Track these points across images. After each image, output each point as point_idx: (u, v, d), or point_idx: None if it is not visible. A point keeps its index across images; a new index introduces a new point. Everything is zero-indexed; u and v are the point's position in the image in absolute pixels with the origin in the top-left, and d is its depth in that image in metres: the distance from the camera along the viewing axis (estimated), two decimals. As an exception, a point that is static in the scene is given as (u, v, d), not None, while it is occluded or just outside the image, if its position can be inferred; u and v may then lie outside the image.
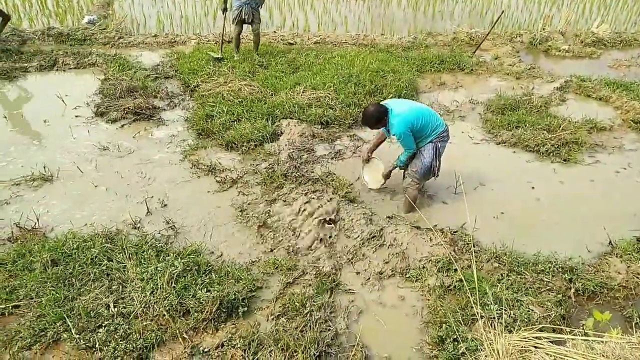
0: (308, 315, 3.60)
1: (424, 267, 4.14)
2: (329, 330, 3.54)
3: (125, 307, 3.53)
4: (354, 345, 3.45)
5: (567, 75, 8.34)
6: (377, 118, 4.48)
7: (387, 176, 5.02)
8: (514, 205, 5.10)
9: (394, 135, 4.53)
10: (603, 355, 2.78)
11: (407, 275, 4.10)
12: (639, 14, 13.23)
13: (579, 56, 9.86)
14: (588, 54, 9.93)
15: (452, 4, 13.05)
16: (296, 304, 3.68)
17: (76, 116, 6.38)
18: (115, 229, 4.38)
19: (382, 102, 4.67)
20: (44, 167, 5.18)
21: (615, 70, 9.20)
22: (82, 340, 3.27)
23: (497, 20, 9.66)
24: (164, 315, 3.47)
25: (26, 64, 7.69)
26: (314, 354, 3.30)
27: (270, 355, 3.26)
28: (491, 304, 3.55)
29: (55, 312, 3.43)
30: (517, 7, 13.24)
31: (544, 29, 10.68)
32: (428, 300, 3.86)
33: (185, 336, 3.41)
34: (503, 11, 10.23)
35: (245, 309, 3.65)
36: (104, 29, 9.28)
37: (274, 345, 3.33)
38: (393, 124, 4.44)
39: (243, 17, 7.70)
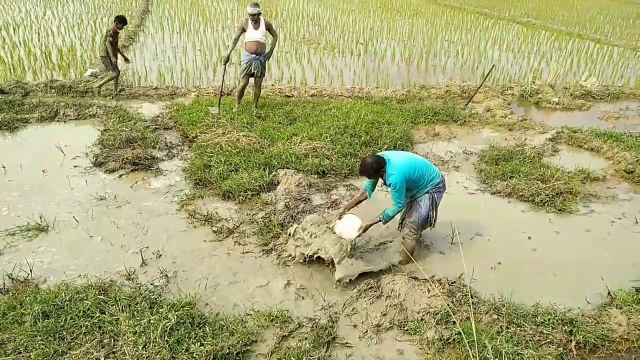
0: (304, 370, 3.51)
1: (422, 320, 4.08)
2: (326, 386, 3.43)
3: (116, 362, 3.43)
4: (351, 402, 3.34)
5: (559, 127, 8.54)
6: (375, 169, 4.53)
7: (365, 229, 4.76)
8: (510, 255, 5.09)
9: (389, 184, 4.55)
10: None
11: (405, 328, 4.02)
12: (624, 68, 13.70)
13: (569, 108, 10.13)
14: (578, 106, 10.20)
15: (444, 59, 13.51)
16: (292, 358, 3.59)
17: (75, 166, 6.43)
18: (109, 280, 4.32)
19: (379, 154, 4.72)
20: (40, 217, 5.17)
21: (604, 122, 9.43)
22: (70, 398, 3.16)
23: (488, 74, 9.98)
24: (156, 370, 3.37)
25: (27, 115, 7.83)
26: (310, 412, 3.18)
27: (265, 413, 3.14)
28: (491, 357, 3.48)
29: (43, 368, 3.33)
30: (507, 61, 13.71)
31: (534, 82, 11.03)
32: (427, 354, 3.77)
33: (177, 393, 3.30)
34: (494, 65, 10.59)
35: (240, 363, 3.56)
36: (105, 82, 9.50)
37: (268, 402, 3.22)
38: (390, 174, 4.49)
39: (252, 70, 7.98)
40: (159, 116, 8.18)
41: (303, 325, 3.99)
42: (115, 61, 8.85)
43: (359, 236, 4.78)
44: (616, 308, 4.27)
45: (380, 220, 4.70)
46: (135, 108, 8.50)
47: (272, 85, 10.25)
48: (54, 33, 13.53)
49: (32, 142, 7.14)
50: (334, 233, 4.73)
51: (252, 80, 8.27)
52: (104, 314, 3.83)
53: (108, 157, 6.55)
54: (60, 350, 3.49)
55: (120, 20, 8.55)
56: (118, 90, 9.16)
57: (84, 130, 7.60)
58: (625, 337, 3.97)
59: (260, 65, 7.99)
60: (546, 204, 6.01)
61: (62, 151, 6.71)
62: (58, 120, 7.91)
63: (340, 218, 4.86)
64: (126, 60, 9.29)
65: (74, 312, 3.81)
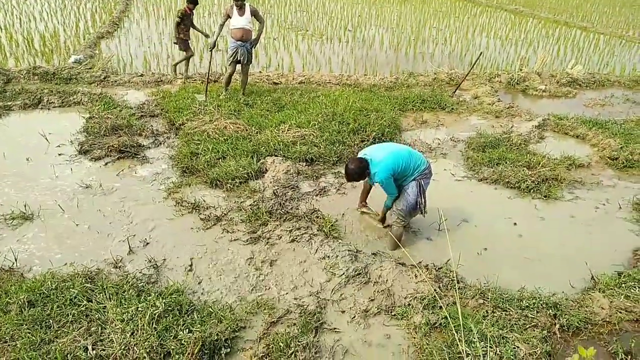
0: (292, 356, 3.53)
1: (409, 305, 4.12)
2: (314, 371, 3.46)
3: (104, 350, 3.42)
4: (339, 387, 3.37)
5: (545, 114, 8.60)
6: (359, 173, 4.59)
7: (383, 220, 5.19)
8: (496, 241, 5.15)
9: (377, 182, 4.63)
10: (589, 392, 2.76)
11: (392, 313, 4.06)
12: (610, 56, 13.81)
13: (556, 96, 10.20)
14: (564, 94, 10.28)
15: (432, 46, 13.50)
16: (280, 344, 3.61)
17: (59, 154, 6.34)
18: (95, 268, 4.29)
19: (360, 153, 4.77)
20: (25, 206, 5.10)
21: (590, 109, 9.53)
22: (57, 386, 3.15)
23: (476, 62, 10.00)
24: (144, 357, 3.37)
25: (10, 103, 7.68)
26: (299, 396, 3.21)
27: (254, 398, 3.16)
28: (477, 341, 3.53)
29: (30, 357, 3.30)
30: (494, 49, 13.74)
31: (521, 70, 11.08)
32: (414, 338, 3.82)
33: (166, 379, 3.30)
34: (481, 53, 10.62)
35: (228, 350, 3.57)
36: (90, 69, 9.36)
37: (257, 387, 3.24)
38: (375, 173, 4.54)
39: (239, 58, 7.91)
40: (144, 103, 8.08)
41: (291, 312, 4.01)
42: (188, 42, 9.11)
43: (385, 225, 5.20)
44: (599, 292, 4.35)
45: (386, 211, 5.08)
46: (121, 95, 8.38)
47: (260, 72, 10.16)
48: (36, 18, 13.25)
49: (15, 130, 7.01)
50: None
51: (239, 67, 8.20)
52: (91, 302, 3.81)
53: (93, 145, 6.47)
54: (47, 339, 3.47)
55: (191, 1, 8.68)
56: (186, 72, 9.45)
57: (69, 117, 7.48)
58: (608, 319, 4.05)
59: (246, 53, 7.92)
60: (532, 191, 6.08)
61: (46, 139, 6.61)
62: (42, 108, 7.78)
63: (362, 213, 5.36)
64: (206, 36, 9.60)
65: (61, 301, 3.78)
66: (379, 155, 4.59)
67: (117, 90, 8.70)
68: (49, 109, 7.77)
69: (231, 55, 7.92)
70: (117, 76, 9.28)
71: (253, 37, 7.97)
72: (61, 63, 9.77)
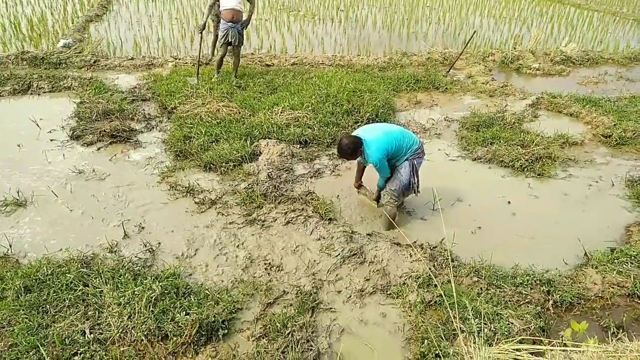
0: (289, 335, 3.56)
1: (404, 284, 4.16)
2: (311, 350, 3.50)
3: (101, 333, 3.44)
4: (336, 365, 3.42)
5: (539, 93, 8.60)
6: (353, 150, 4.55)
7: (377, 199, 5.17)
8: (491, 220, 5.18)
9: (370, 163, 4.62)
10: (581, 365, 2.81)
11: (388, 292, 4.10)
12: (604, 33, 13.76)
13: (549, 74, 10.18)
14: (558, 72, 10.26)
15: (425, 26, 13.39)
16: (277, 324, 3.64)
17: (51, 140, 6.29)
18: (91, 253, 4.29)
19: (354, 132, 4.75)
20: (17, 192, 5.07)
21: (584, 87, 9.52)
22: (56, 369, 3.17)
23: (469, 40, 9.94)
24: (142, 340, 3.40)
25: (-1, 88, 7.58)
26: (296, 375, 3.25)
27: (252, 378, 3.20)
28: (471, 318, 3.57)
29: (28, 341, 3.32)
30: (488, 28, 13.65)
31: (514, 48, 11.02)
32: (409, 316, 3.86)
33: (164, 361, 3.33)
34: (475, 31, 10.54)
35: (226, 331, 3.60)
36: (79, 53, 9.23)
37: (255, 367, 3.28)
38: (369, 153, 4.53)
39: (229, 39, 7.80)
40: (136, 87, 7.99)
41: (288, 292, 4.04)
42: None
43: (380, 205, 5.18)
44: (592, 268, 4.40)
45: (379, 190, 5.05)
46: (112, 79, 8.28)
47: (252, 54, 10.05)
48: (22, 2, 13.00)
49: (5, 116, 6.94)
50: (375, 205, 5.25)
51: (230, 49, 8.10)
52: (87, 286, 3.82)
53: (85, 130, 6.41)
54: (44, 324, 3.48)
55: None
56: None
57: (59, 102, 7.40)
58: (600, 295, 4.11)
59: (237, 34, 7.81)
60: (525, 169, 6.10)
61: (37, 125, 6.54)
62: (32, 93, 7.68)
63: (359, 188, 5.33)
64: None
65: (57, 286, 3.79)
66: (372, 135, 4.57)
67: (107, 74, 8.60)
68: (39, 94, 7.68)
69: (222, 37, 7.82)
70: (107, 60, 9.16)
71: (244, 18, 7.86)
72: (50, 47, 9.61)
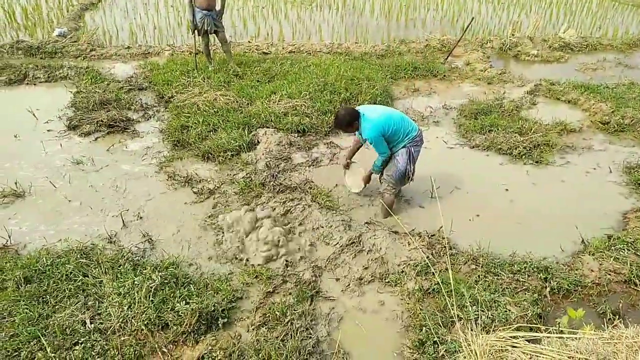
0: (289, 324, 3.60)
1: (402, 272, 4.18)
2: (310, 338, 3.53)
3: (102, 323, 3.47)
4: (335, 352, 3.45)
5: (537, 80, 8.55)
6: (349, 121, 4.53)
7: (367, 180, 5.07)
8: (488, 207, 5.19)
9: (366, 139, 4.60)
10: (577, 351, 2.84)
11: (386, 280, 4.13)
12: (603, 19, 13.67)
13: (548, 61, 10.12)
14: (556, 59, 10.20)
15: (423, 12, 13.28)
16: (277, 313, 3.67)
17: (48, 130, 6.27)
18: (90, 243, 4.30)
19: (355, 107, 4.72)
20: (15, 183, 5.07)
21: (582, 74, 9.46)
22: (57, 359, 3.19)
23: (467, 27, 9.87)
24: (142, 329, 3.42)
25: (-6, 78, 7.53)
26: (296, 363, 3.29)
27: (252, 366, 3.23)
28: (469, 305, 3.60)
29: (29, 331, 3.34)
30: (487, 14, 13.54)
31: (513, 35, 10.95)
32: (408, 304, 3.89)
33: (165, 350, 3.36)
34: (473, 18, 10.46)
35: (225, 320, 3.63)
36: (75, 42, 9.16)
37: (255, 355, 3.31)
38: (365, 128, 4.51)
39: (206, 28, 7.63)
40: (132, 76, 7.95)
41: (287, 281, 4.06)
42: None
43: (364, 188, 5.12)
44: (589, 255, 4.43)
45: (372, 173, 4.92)
46: (108, 69, 8.23)
47: (249, 42, 9.98)
48: (16, -10, 12.85)
49: (1, 107, 6.91)
50: (345, 185, 5.23)
51: (213, 37, 7.95)
52: (87, 277, 3.84)
53: (82, 120, 6.39)
54: (45, 314, 3.51)
55: None
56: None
57: (56, 92, 7.36)
58: (597, 282, 4.14)
59: (212, 22, 7.59)
60: (524, 157, 6.10)
61: (34, 115, 6.51)
62: (27, 83, 7.64)
63: (347, 168, 5.19)
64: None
65: (57, 276, 3.81)
66: (372, 113, 4.56)
67: (103, 63, 8.54)
68: (35, 84, 7.63)
69: (200, 27, 7.62)
70: (103, 49, 9.09)
71: (218, 7, 7.70)
72: (45, 37, 9.54)
